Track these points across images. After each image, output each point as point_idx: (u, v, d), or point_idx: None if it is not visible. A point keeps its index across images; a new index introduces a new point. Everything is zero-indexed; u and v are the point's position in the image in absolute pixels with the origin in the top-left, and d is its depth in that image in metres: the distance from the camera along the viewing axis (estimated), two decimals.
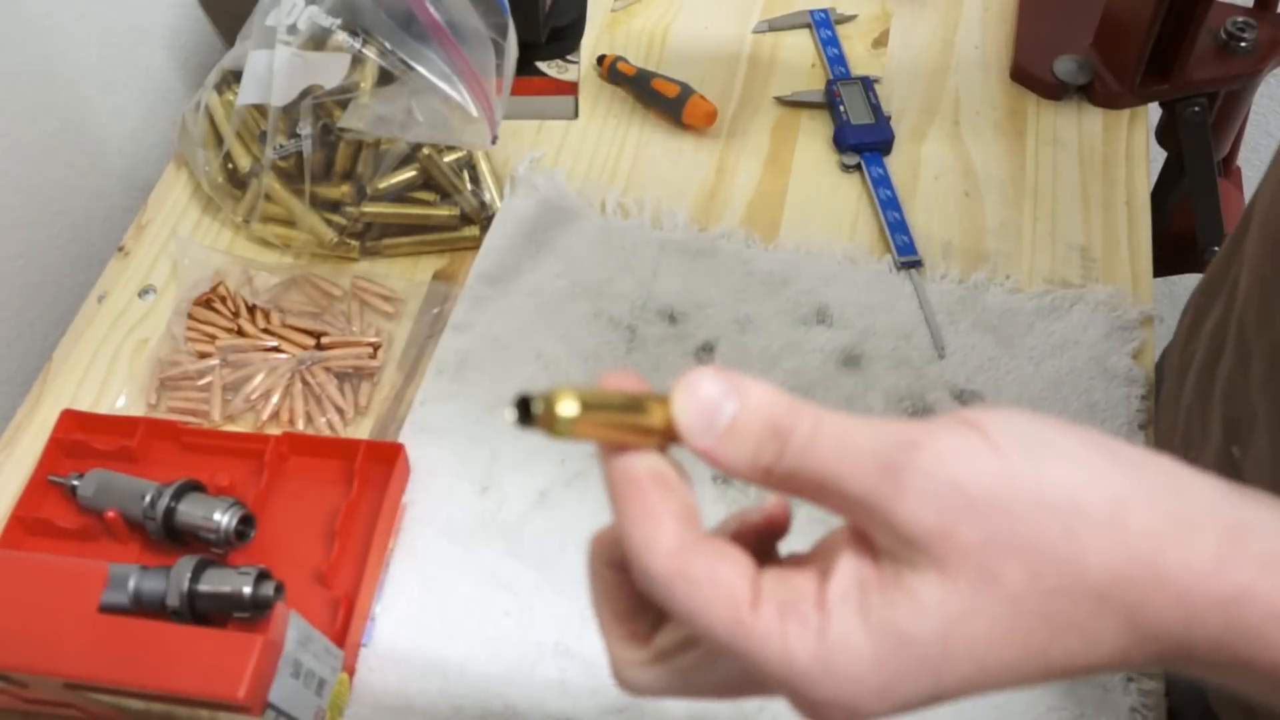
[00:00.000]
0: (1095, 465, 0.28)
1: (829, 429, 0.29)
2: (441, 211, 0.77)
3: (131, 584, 0.56)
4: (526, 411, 0.28)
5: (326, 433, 0.69)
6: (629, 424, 0.30)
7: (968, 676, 0.28)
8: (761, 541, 0.33)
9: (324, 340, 0.73)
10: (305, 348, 0.72)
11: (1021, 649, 0.28)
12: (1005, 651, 0.28)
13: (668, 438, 0.30)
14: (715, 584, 0.29)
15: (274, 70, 0.72)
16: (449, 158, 0.77)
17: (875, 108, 0.83)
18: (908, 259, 0.76)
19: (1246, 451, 0.49)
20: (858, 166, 0.82)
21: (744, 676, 0.30)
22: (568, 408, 0.28)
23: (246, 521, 0.62)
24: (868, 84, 0.85)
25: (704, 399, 0.30)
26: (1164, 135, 0.95)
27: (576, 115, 0.86)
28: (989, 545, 0.27)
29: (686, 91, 0.84)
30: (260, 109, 0.75)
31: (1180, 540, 0.28)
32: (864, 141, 0.82)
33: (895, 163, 0.83)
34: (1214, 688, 0.49)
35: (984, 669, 0.28)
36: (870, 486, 0.28)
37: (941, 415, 0.30)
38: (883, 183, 0.80)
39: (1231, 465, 0.51)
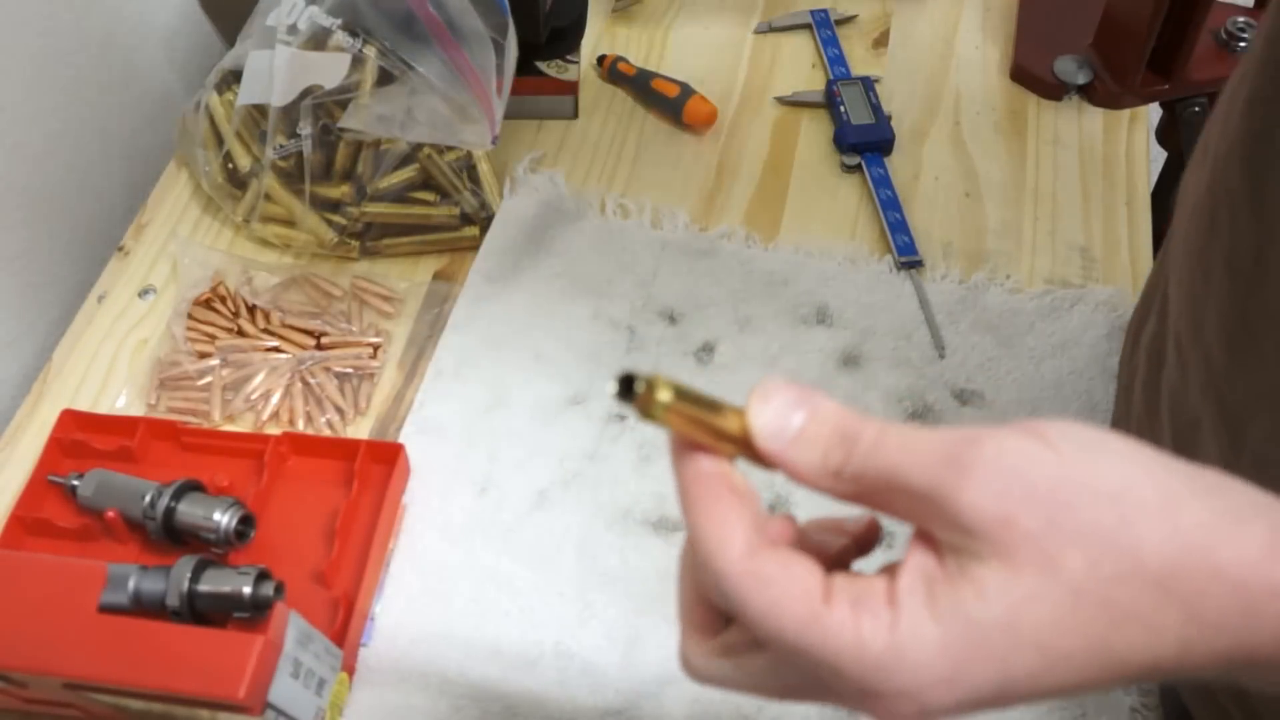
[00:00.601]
0: (1147, 464, 0.30)
1: (895, 432, 0.30)
2: (441, 211, 0.77)
3: (131, 584, 0.56)
4: (628, 389, 0.29)
5: (326, 433, 0.69)
6: (710, 424, 0.31)
7: (1034, 667, 0.29)
8: (835, 560, 0.34)
9: (324, 340, 0.73)
10: (305, 348, 0.72)
11: (1084, 636, 0.28)
12: (1069, 639, 0.28)
13: (741, 445, 0.32)
14: (790, 581, 0.30)
15: (274, 70, 0.72)
16: (449, 158, 0.77)
17: (876, 108, 0.83)
18: (908, 259, 0.76)
19: (1195, 460, 0.50)
20: (858, 167, 0.82)
21: (808, 679, 0.31)
22: (665, 394, 0.30)
23: (246, 521, 0.62)
24: (868, 84, 0.85)
25: (777, 406, 0.31)
26: (1164, 135, 0.95)
27: (576, 115, 0.86)
28: (1049, 533, 0.28)
29: (687, 92, 0.84)
30: (260, 109, 0.75)
31: (1231, 533, 0.28)
32: (864, 142, 0.82)
33: (896, 163, 0.83)
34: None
35: (1049, 658, 0.29)
36: (934, 477, 0.29)
37: (955, 420, 0.30)
38: (883, 183, 0.80)
39: None
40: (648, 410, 0.30)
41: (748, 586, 0.30)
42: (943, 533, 0.30)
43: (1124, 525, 0.28)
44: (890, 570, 0.31)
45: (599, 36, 0.91)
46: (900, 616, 0.29)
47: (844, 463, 0.31)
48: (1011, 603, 0.28)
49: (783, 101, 0.86)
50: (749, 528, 0.31)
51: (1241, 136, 0.43)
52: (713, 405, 0.31)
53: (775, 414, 0.31)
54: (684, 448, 0.32)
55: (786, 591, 0.30)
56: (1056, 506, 0.28)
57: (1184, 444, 0.51)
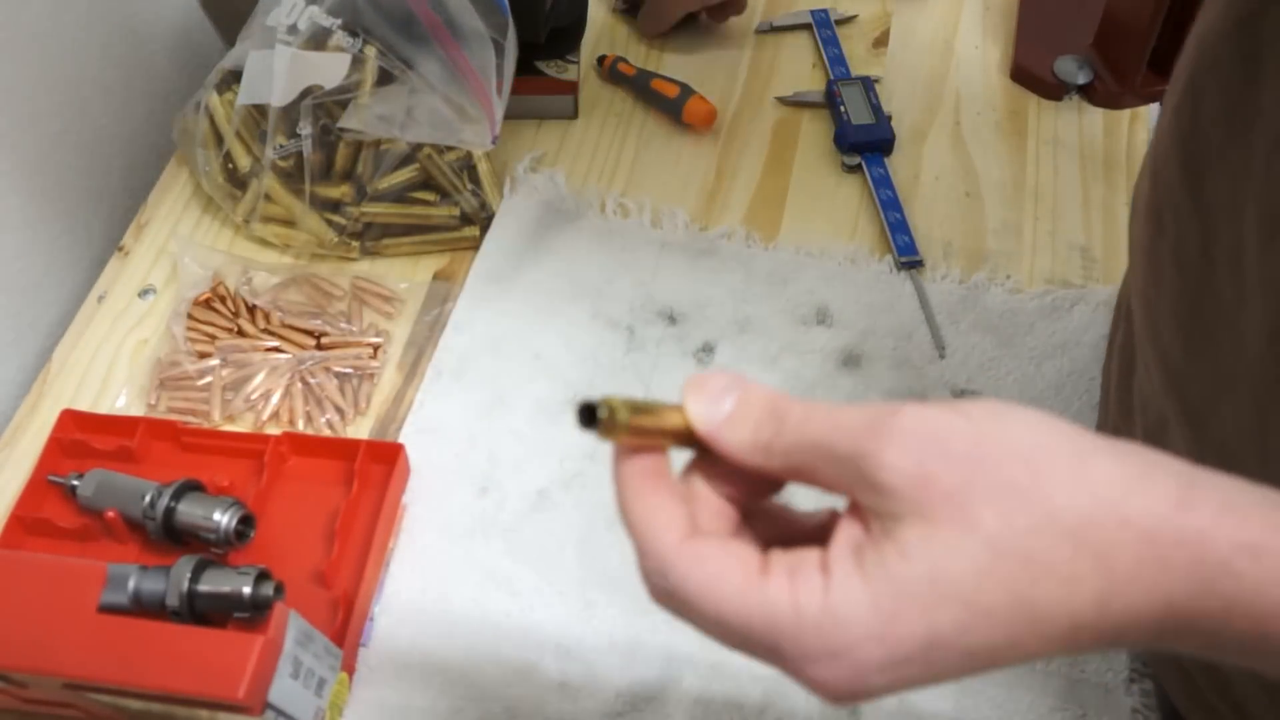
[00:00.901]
0: (1058, 427, 0.31)
1: (821, 407, 0.32)
2: (441, 211, 0.77)
3: (131, 584, 0.56)
4: (591, 418, 0.31)
5: (326, 433, 0.69)
6: (657, 428, 0.33)
7: (958, 621, 0.30)
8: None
9: (324, 340, 0.73)
10: (305, 348, 0.72)
11: (1004, 590, 0.30)
12: (989, 593, 0.30)
13: (684, 438, 0.34)
14: (727, 556, 0.31)
15: (274, 70, 0.72)
16: (449, 158, 0.77)
17: (876, 108, 0.83)
18: (908, 259, 0.76)
19: None
20: (859, 167, 0.82)
21: (751, 649, 0.32)
22: (624, 414, 0.32)
23: (246, 521, 0.62)
24: (868, 84, 0.85)
25: (710, 392, 0.33)
26: None
27: (576, 115, 0.86)
28: (965, 491, 0.30)
29: (686, 92, 0.84)
30: (260, 109, 0.75)
31: (1140, 486, 0.30)
32: (865, 142, 0.82)
33: (896, 163, 0.83)
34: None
35: (972, 612, 0.30)
36: (857, 442, 0.31)
37: None
38: (883, 183, 0.80)
39: None
40: (611, 433, 0.32)
41: (686, 566, 0.31)
42: (866, 498, 0.31)
43: (1036, 481, 0.30)
44: (821, 542, 0.32)
45: (599, 36, 0.91)
46: (832, 580, 0.30)
47: (773, 438, 0.32)
48: (932, 559, 0.30)
49: (783, 101, 0.86)
50: (684, 516, 0.33)
51: (1176, 136, 0.44)
52: (657, 410, 0.33)
53: (708, 400, 0.33)
54: (623, 452, 0.34)
55: (725, 566, 0.31)
56: (971, 466, 0.30)
57: (1154, 443, 0.52)
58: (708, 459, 0.34)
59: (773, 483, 0.35)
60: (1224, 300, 0.42)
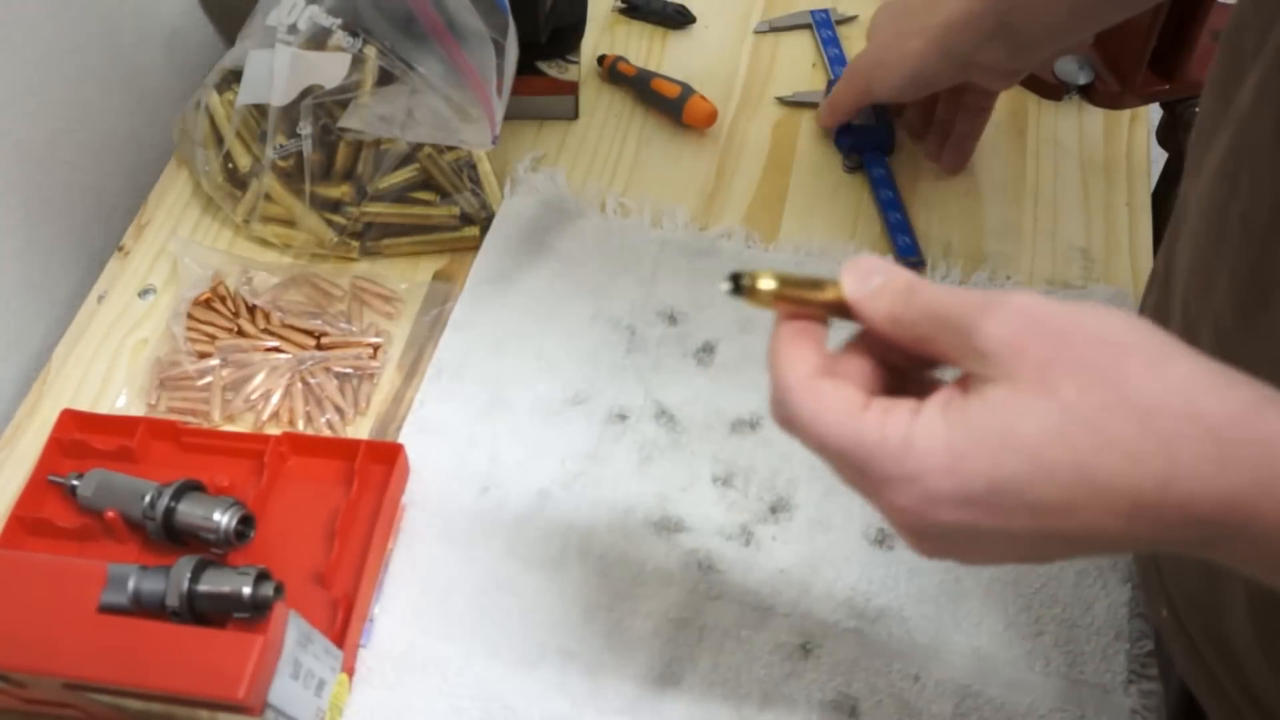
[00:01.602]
0: (1149, 328, 0.34)
1: (948, 289, 0.37)
2: (441, 211, 0.77)
3: (131, 584, 0.56)
4: (737, 285, 0.38)
5: (326, 433, 0.69)
6: (808, 297, 0.39)
7: (1021, 471, 0.33)
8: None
9: (324, 340, 0.73)
10: (305, 348, 0.72)
11: (1069, 451, 0.33)
12: (1054, 450, 0.33)
13: (835, 307, 0.39)
14: (837, 392, 0.37)
15: (274, 70, 0.72)
16: (449, 158, 0.77)
17: (876, 109, 0.83)
18: (909, 259, 0.76)
19: None
20: (859, 167, 0.81)
21: (847, 472, 0.37)
22: (766, 283, 0.38)
23: (246, 521, 0.62)
24: None
25: (863, 269, 0.39)
26: (1165, 136, 0.95)
27: (577, 115, 0.86)
28: (1050, 363, 0.33)
29: (687, 92, 0.84)
30: (260, 109, 0.75)
31: (1216, 388, 0.32)
32: (865, 142, 0.82)
33: (896, 163, 0.82)
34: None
35: (1036, 466, 0.33)
36: (966, 312, 0.35)
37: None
38: (884, 183, 0.80)
39: None
40: (754, 298, 0.38)
41: (802, 397, 0.37)
42: (967, 362, 0.35)
43: (1116, 365, 0.33)
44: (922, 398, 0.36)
45: (599, 36, 0.91)
46: (917, 419, 0.35)
47: (904, 309, 0.37)
48: (1008, 412, 0.33)
49: (783, 102, 0.86)
50: (816, 362, 0.38)
51: (1273, 100, 0.43)
52: (813, 282, 0.39)
53: (860, 275, 0.39)
54: (785, 317, 0.40)
55: (834, 400, 0.36)
56: (1060, 343, 0.33)
57: None
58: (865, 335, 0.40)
59: (920, 360, 0.39)
60: None
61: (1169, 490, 0.32)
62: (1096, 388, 0.33)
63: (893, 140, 0.82)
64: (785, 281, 0.39)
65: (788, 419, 0.38)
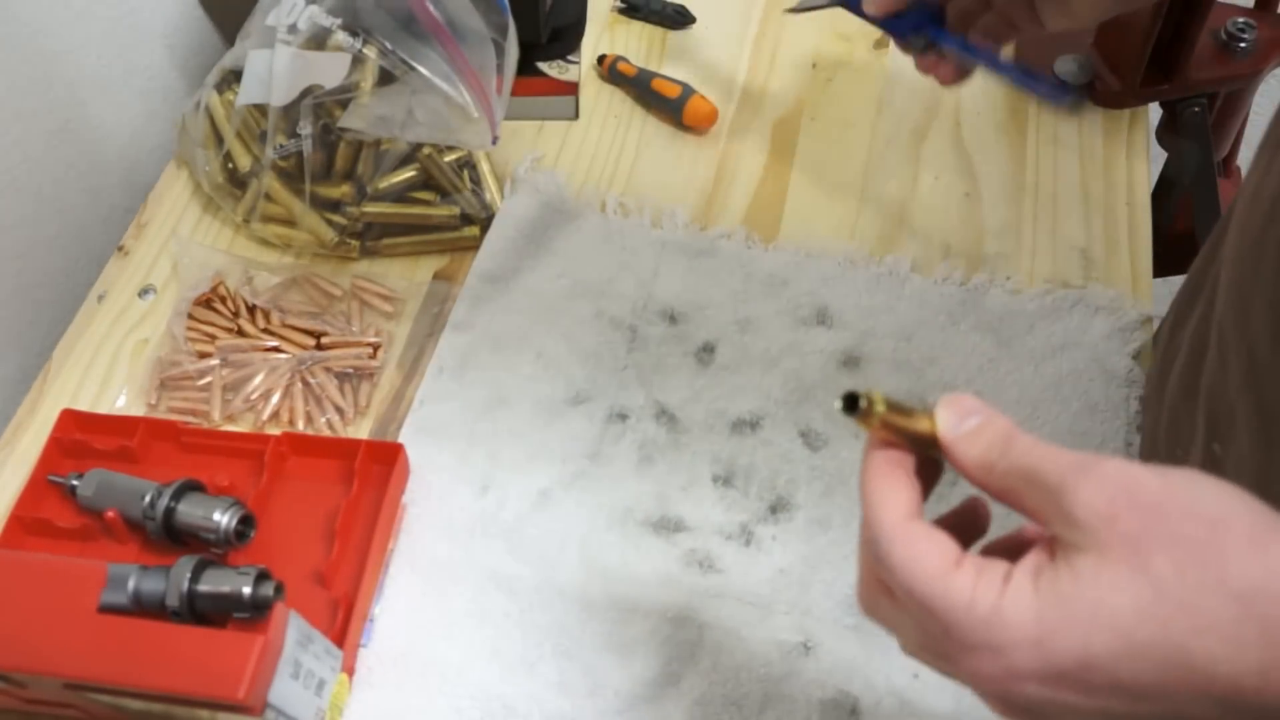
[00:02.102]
0: (1245, 502, 0.33)
1: (1044, 445, 0.36)
2: (441, 211, 0.77)
3: (131, 584, 0.56)
4: (853, 405, 0.37)
5: (326, 433, 0.69)
6: (906, 426, 0.38)
7: (1113, 649, 0.32)
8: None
9: (324, 340, 0.73)
10: (305, 348, 0.72)
11: (1162, 630, 0.31)
12: (1147, 629, 0.31)
13: (927, 441, 0.38)
14: (931, 543, 0.35)
15: (274, 70, 0.72)
16: (449, 158, 0.77)
17: None
18: (1066, 100, 0.65)
19: (1228, 449, 0.51)
20: (930, 45, 0.63)
21: (929, 633, 0.36)
22: (880, 407, 0.37)
23: (246, 521, 0.62)
24: None
25: (961, 407, 0.38)
26: (1164, 135, 0.95)
27: (577, 115, 0.86)
28: (1144, 536, 0.32)
29: (687, 92, 0.84)
30: (260, 109, 0.75)
31: None
32: (924, 18, 0.63)
33: (895, 162, 0.82)
34: None
35: (1127, 644, 0.31)
36: (1061, 475, 0.34)
37: None
38: (975, 49, 0.62)
39: (1214, 462, 0.52)
40: (867, 421, 0.37)
41: (897, 542, 0.35)
42: (1057, 526, 0.34)
43: (1213, 542, 0.31)
44: (1013, 560, 0.35)
45: (599, 36, 0.91)
46: (1008, 586, 0.34)
47: (998, 459, 0.36)
48: (1100, 586, 0.32)
49: (793, 10, 0.71)
50: (910, 501, 0.37)
51: None
52: (910, 410, 0.38)
53: (958, 414, 0.37)
54: (875, 442, 0.38)
55: (927, 551, 0.35)
56: (1155, 516, 0.32)
57: (1217, 434, 0.51)
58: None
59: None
60: None
61: (1270, 677, 0.30)
62: (1192, 565, 0.31)
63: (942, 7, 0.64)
64: (892, 407, 0.37)
65: (878, 560, 0.36)
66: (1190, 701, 0.32)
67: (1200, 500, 0.33)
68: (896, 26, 0.66)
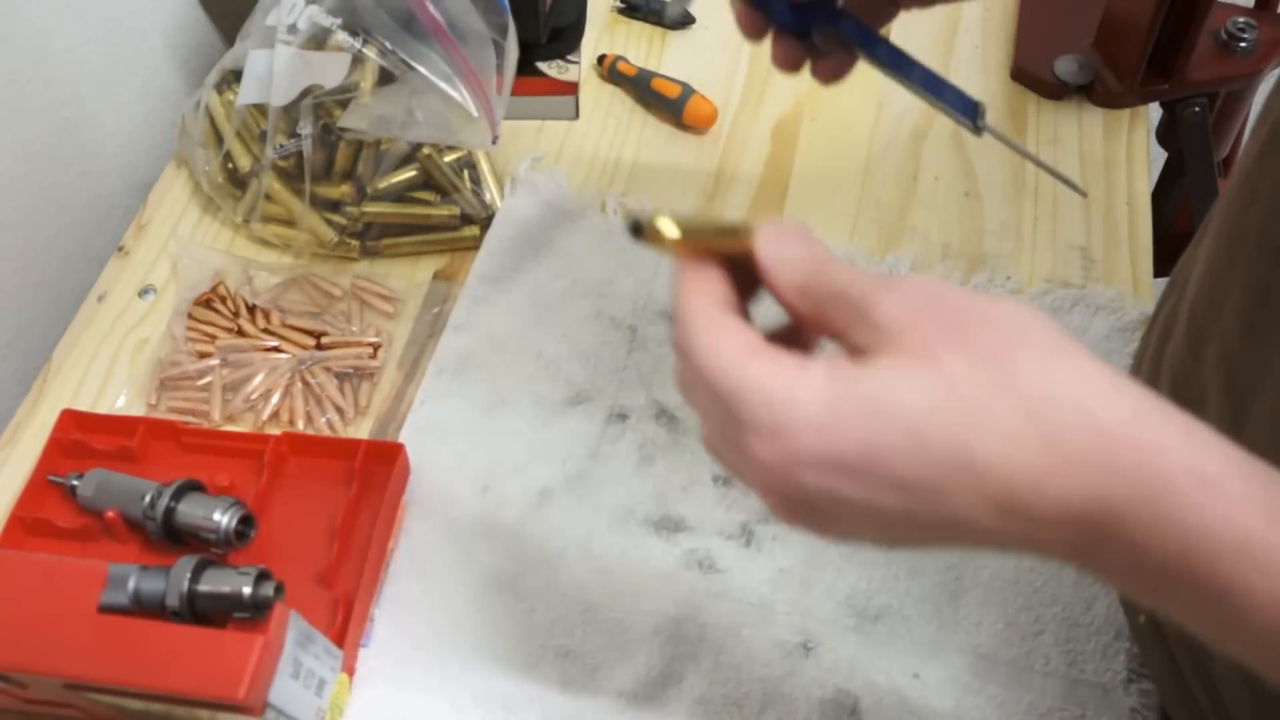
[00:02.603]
0: (1051, 325, 0.34)
1: (855, 270, 0.36)
2: (442, 211, 0.77)
3: (131, 584, 0.56)
4: (637, 231, 0.37)
5: (326, 433, 0.69)
6: (716, 244, 0.38)
7: (897, 443, 0.32)
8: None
9: (324, 340, 0.73)
10: (305, 348, 0.72)
11: (948, 429, 0.32)
12: (932, 426, 0.32)
13: (740, 262, 0.38)
14: (736, 332, 0.36)
15: (274, 70, 0.72)
16: (449, 158, 0.77)
17: None
18: (971, 119, 0.52)
19: None
20: (842, 44, 0.55)
21: (728, 419, 0.36)
22: (668, 229, 0.37)
23: (246, 521, 0.62)
24: None
25: (782, 231, 0.37)
26: (1164, 135, 0.95)
27: (577, 115, 0.86)
28: (941, 340, 0.33)
29: (687, 92, 0.84)
30: (260, 109, 0.75)
31: (1110, 391, 0.32)
32: (820, 11, 0.54)
33: (895, 162, 0.82)
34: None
35: (912, 440, 0.32)
36: (868, 290, 0.35)
37: None
38: (878, 42, 0.55)
39: None
40: (655, 242, 0.38)
41: (699, 327, 0.36)
42: (861, 335, 0.34)
43: (1009, 350, 0.32)
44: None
45: (599, 36, 0.91)
46: (803, 374, 0.34)
47: (811, 282, 0.36)
48: (892, 380, 0.32)
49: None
50: (718, 294, 0.37)
51: None
52: (722, 230, 0.38)
53: (779, 240, 0.37)
54: (691, 260, 0.38)
55: (727, 338, 0.36)
56: (955, 325, 0.33)
57: None
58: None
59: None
60: None
61: (1044, 484, 0.31)
62: (985, 369, 0.32)
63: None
64: (690, 230, 0.38)
65: (682, 348, 0.37)
66: (965, 500, 0.32)
67: (1002, 316, 0.33)
68: (807, 20, 0.55)
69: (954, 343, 0.32)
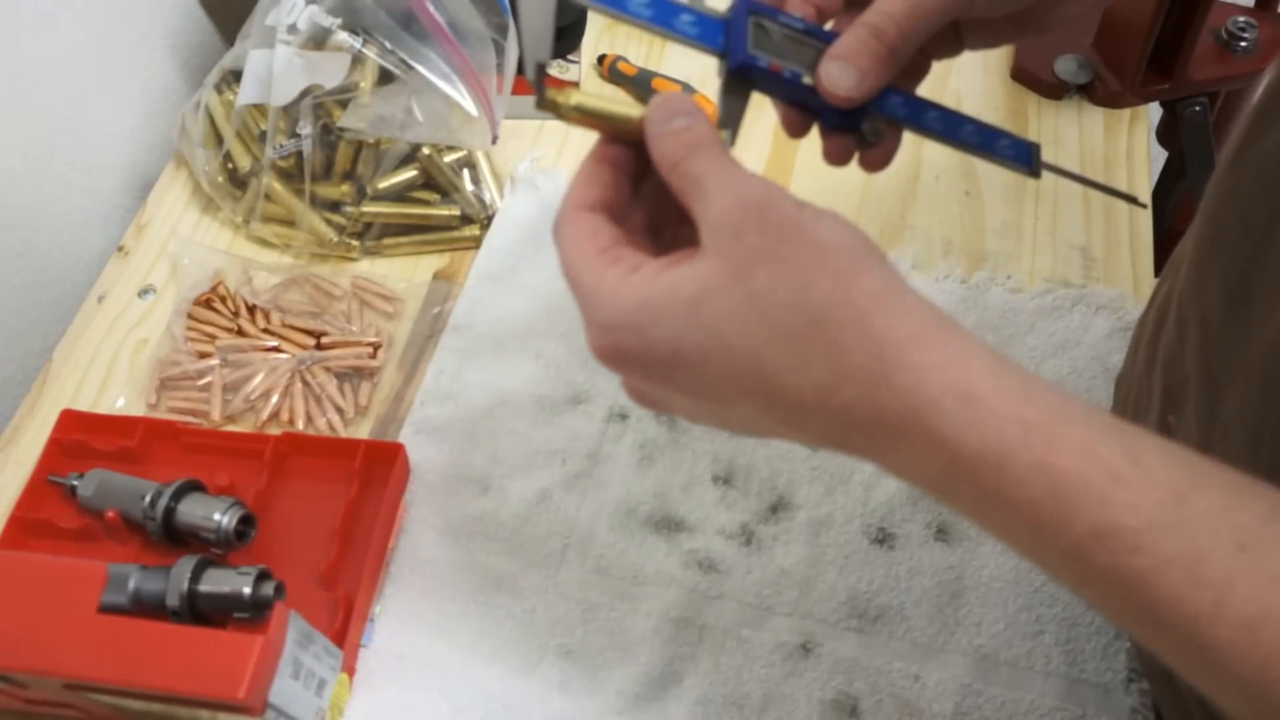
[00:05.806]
0: (860, 238, 0.36)
1: (723, 155, 0.38)
2: (442, 211, 0.77)
3: (131, 584, 0.56)
4: (541, 100, 0.39)
5: (326, 433, 0.69)
6: (611, 122, 0.40)
7: (703, 346, 0.35)
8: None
9: (324, 340, 0.73)
10: (305, 348, 0.72)
11: (746, 338, 0.34)
12: (731, 333, 0.34)
13: (633, 137, 0.40)
14: (592, 231, 0.38)
15: (274, 70, 0.72)
16: (449, 157, 0.77)
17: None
18: (1028, 167, 0.52)
19: (1180, 419, 0.51)
20: (889, 120, 0.52)
21: (580, 306, 0.39)
22: (570, 98, 0.39)
23: (246, 521, 0.62)
24: None
25: (672, 107, 0.39)
26: (1165, 135, 0.95)
27: None
28: (758, 252, 0.35)
29: (687, 92, 0.84)
30: (260, 109, 0.75)
31: (891, 311, 0.34)
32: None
33: (895, 162, 0.82)
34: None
35: (713, 344, 0.35)
36: (715, 185, 0.36)
37: None
38: (922, 105, 0.53)
39: (1167, 433, 0.51)
40: (554, 110, 0.40)
41: (564, 224, 0.39)
42: (701, 230, 0.36)
43: (809, 267, 0.34)
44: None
45: (599, 36, 0.91)
46: (634, 275, 0.37)
47: (682, 160, 0.38)
48: (703, 288, 0.35)
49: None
50: (591, 193, 0.39)
51: None
52: (616, 104, 0.40)
53: (667, 113, 0.39)
54: (601, 140, 0.41)
55: (581, 236, 0.38)
56: (774, 237, 0.35)
57: (1171, 403, 0.52)
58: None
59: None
60: (1272, 275, 0.42)
61: (831, 395, 0.34)
62: (784, 284, 0.34)
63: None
64: (588, 107, 0.40)
65: (554, 239, 0.39)
66: (759, 406, 0.35)
67: (819, 230, 0.35)
68: (856, 115, 0.50)
69: (766, 257, 0.34)
